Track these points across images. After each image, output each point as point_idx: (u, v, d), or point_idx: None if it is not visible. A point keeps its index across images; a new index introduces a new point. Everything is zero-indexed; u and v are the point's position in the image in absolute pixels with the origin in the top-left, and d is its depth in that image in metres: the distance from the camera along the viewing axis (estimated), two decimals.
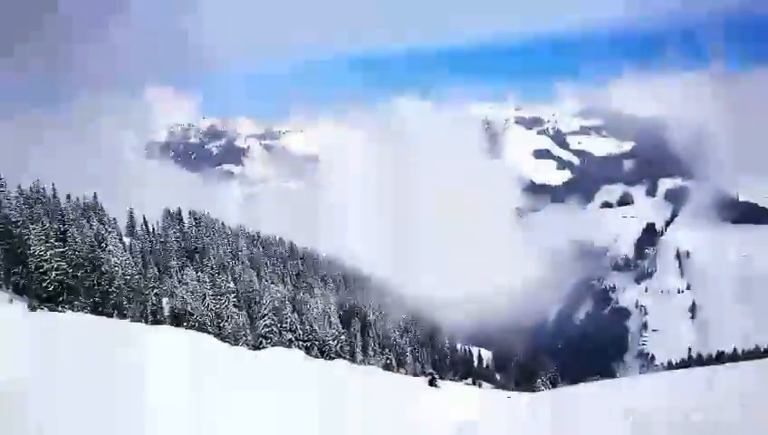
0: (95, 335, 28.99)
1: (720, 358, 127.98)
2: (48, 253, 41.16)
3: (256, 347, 50.00)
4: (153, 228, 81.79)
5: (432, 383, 46.13)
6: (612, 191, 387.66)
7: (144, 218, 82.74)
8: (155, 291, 54.91)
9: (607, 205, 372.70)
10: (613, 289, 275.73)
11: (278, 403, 20.11)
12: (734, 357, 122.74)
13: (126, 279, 51.32)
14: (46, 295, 40.88)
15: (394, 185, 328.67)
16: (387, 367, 62.29)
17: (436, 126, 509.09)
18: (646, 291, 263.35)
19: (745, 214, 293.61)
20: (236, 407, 18.61)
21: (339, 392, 25.01)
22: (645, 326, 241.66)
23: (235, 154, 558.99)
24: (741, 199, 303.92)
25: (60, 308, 39.89)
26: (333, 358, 53.57)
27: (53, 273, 40.94)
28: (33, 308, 36.13)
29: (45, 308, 38.39)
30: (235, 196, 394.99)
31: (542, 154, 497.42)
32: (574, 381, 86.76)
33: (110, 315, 44.04)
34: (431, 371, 54.03)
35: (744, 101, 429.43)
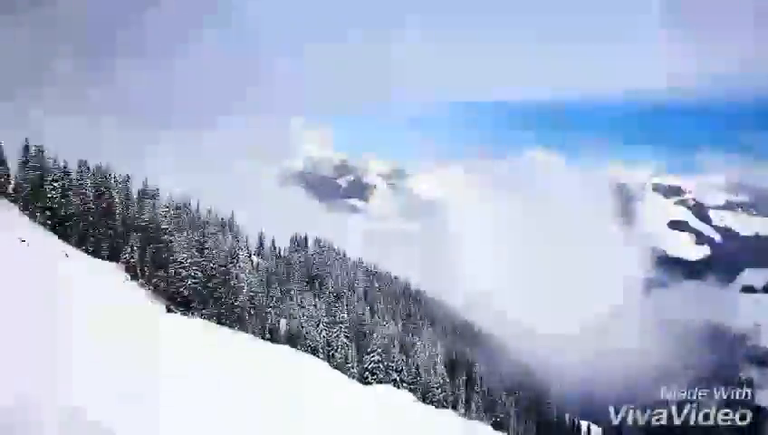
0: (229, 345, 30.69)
1: None
2: (188, 261, 44.54)
3: (362, 381, 50.40)
4: (280, 251, 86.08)
5: None
6: (758, 275, 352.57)
7: (273, 241, 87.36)
8: (275, 311, 57.43)
9: (749, 289, 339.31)
10: (749, 384, 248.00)
11: None
12: None
13: (250, 295, 54.17)
14: (180, 300, 44.11)
15: (517, 238, 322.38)
16: (496, 426, 60.14)
17: (567, 183, 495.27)
18: None
19: None
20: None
21: None
22: None
23: (361, 190, 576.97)
24: None
25: (191, 313, 42.87)
26: (437, 406, 52.64)
27: (190, 280, 44.16)
28: (169, 310, 39.12)
29: (178, 312, 41.51)
30: (357, 230, 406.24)
31: (679, 226, 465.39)
32: None
33: (231, 327, 46.62)
34: None
35: None
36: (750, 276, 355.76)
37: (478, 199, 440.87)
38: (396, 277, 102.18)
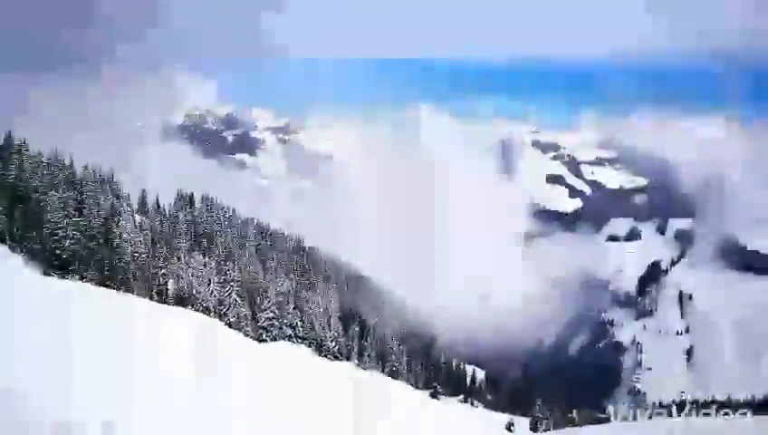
0: (109, 308, 29.18)
1: (712, 404, 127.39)
2: (64, 221, 41.56)
3: (257, 339, 50.16)
4: (165, 209, 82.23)
5: (434, 396, 46.41)
6: (621, 225, 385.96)
7: (157, 198, 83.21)
8: (162, 271, 55.24)
9: (614, 238, 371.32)
10: (611, 323, 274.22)
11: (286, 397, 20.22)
12: (727, 405, 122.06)
13: (134, 256, 51.72)
14: (58, 263, 41.23)
15: (405, 192, 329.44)
16: (392, 374, 62.36)
17: (454, 138, 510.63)
18: (644, 329, 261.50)
19: (752, 263, 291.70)
20: (243, 397, 18.79)
21: (349, 394, 25.11)
22: (639, 364, 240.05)
23: (249, 145, 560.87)
24: (749, 248, 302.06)
25: (70, 277, 40.25)
26: (332, 359, 53.64)
27: (67, 241, 41.34)
28: (46, 274, 36.49)
29: (56, 275, 38.81)
30: (246, 186, 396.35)
31: (555, 180, 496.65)
32: (565, 411, 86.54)
33: (116, 290, 44.36)
34: (435, 384, 54.31)
35: (761, 149, 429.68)
36: (615, 226, 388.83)
37: (367, 155, 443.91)
38: (288, 235, 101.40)
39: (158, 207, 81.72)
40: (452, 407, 42.29)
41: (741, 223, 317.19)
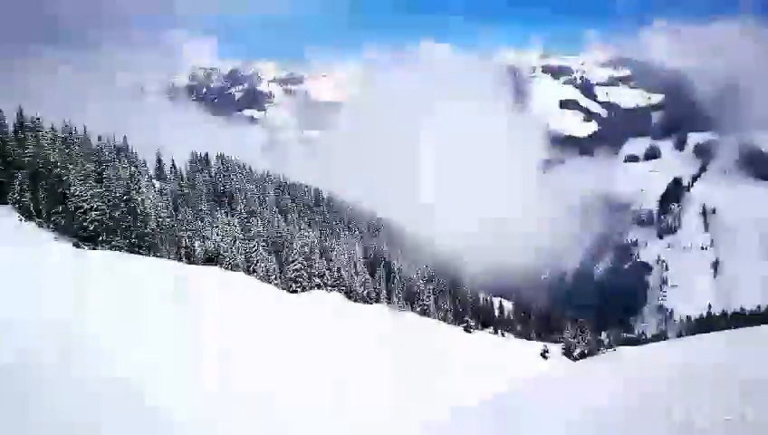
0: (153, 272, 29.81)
1: (741, 314, 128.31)
2: (88, 193, 42.07)
3: (288, 290, 51.16)
4: (181, 172, 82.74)
5: (467, 330, 47.36)
6: (639, 144, 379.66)
7: (173, 162, 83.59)
8: (188, 233, 56.11)
9: (633, 158, 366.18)
10: (635, 244, 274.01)
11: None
12: (757, 314, 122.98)
13: (158, 221, 52.42)
14: (86, 235, 41.98)
15: (416, 132, 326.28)
16: (423, 313, 63.56)
17: (462, 71, 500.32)
18: (668, 247, 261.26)
19: None
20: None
21: (389, 334, 25.78)
22: (665, 282, 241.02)
23: (257, 99, 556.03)
24: None
25: (100, 247, 41.07)
26: (364, 303, 54.62)
27: (93, 213, 41.92)
28: (76, 246, 37.26)
29: (86, 247, 39.59)
30: (258, 141, 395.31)
31: (568, 105, 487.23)
32: (594, 334, 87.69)
33: (145, 255, 45.22)
34: (467, 318, 55.32)
35: None
36: (632, 146, 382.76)
37: (376, 97, 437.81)
38: (306, 186, 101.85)
39: (175, 170, 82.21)
40: (485, 340, 43.23)
41: (760, 129, 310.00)
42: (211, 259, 51.06)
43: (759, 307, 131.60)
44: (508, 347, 43.63)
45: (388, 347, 22.84)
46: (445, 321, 65.42)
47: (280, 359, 17.97)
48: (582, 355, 46.84)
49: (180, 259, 49.92)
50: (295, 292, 48.67)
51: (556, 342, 60.57)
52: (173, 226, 55.10)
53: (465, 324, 49.31)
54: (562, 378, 20.90)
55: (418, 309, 66.92)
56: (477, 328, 69.30)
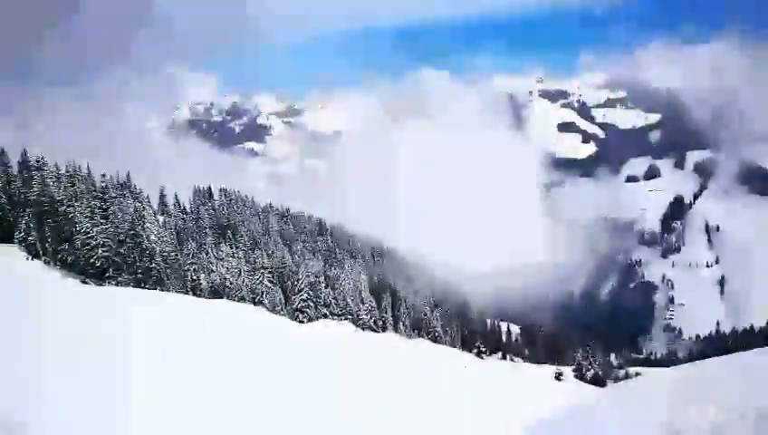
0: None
1: (750, 332, 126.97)
2: (94, 230, 42.27)
3: (295, 321, 50.97)
4: (185, 206, 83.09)
5: (479, 355, 47.19)
6: (639, 164, 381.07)
7: (176, 196, 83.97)
8: (193, 267, 56.12)
9: (633, 179, 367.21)
10: (639, 263, 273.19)
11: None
12: (765, 331, 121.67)
13: (164, 256, 52.53)
14: (93, 271, 42.09)
15: (418, 159, 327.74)
16: (434, 340, 63.28)
17: (460, 98, 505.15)
18: (673, 265, 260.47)
19: None
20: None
21: (406, 363, 25.62)
22: (671, 301, 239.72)
23: (257, 132, 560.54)
24: None
25: (106, 283, 41.11)
26: (374, 331, 54.34)
27: (100, 249, 42.11)
28: (84, 283, 37.31)
29: (93, 283, 39.66)
30: (259, 174, 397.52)
31: (567, 127, 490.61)
32: (604, 356, 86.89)
33: (152, 289, 45.25)
34: (478, 344, 55.06)
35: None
36: (632, 167, 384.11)
37: (375, 127, 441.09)
38: (309, 216, 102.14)
39: (178, 204, 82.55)
40: (498, 365, 43.03)
41: (758, 146, 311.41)
42: (217, 292, 51.05)
43: None
44: (522, 371, 43.25)
45: (410, 380, 22.65)
46: (453, 347, 64.99)
47: (305, 403, 17.67)
48: (596, 378, 46.47)
49: (186, 293, 49.93)
50: (302, 322, 48.48)
51: (566, 364, 60.06)
52: (178, 260, 55.19)
53: (477, 350, 49.05)
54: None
55: (429, 336, 66.54)
56: (487, 353, 68.77)
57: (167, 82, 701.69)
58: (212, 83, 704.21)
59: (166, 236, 58.47)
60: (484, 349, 59.63)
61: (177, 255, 56.50)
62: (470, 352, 50.44)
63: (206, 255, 63.75)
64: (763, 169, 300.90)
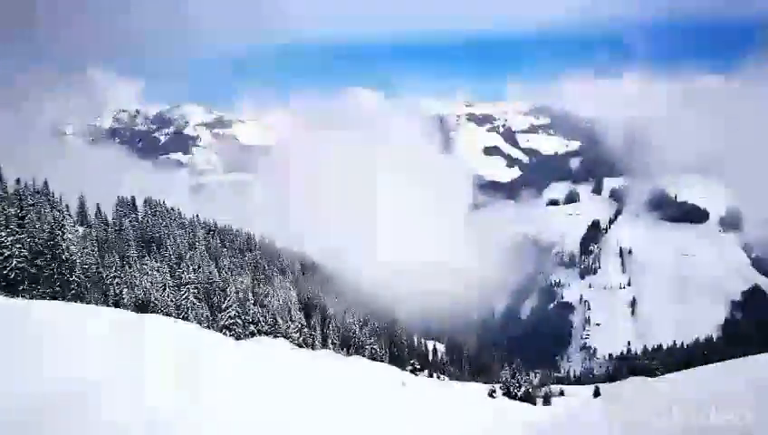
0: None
1: (659, 350, 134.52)
2: (9, 239, 39.86)
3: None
4: (107, 217, 79.60)
5: (414, 373, 47.64)
6: (559, 189, 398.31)
7: (98, 206, 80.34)
8: (115, 280, 53.79)
9: (554, 202, 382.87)
10: (559, 284, 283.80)
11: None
12: (672, 349, 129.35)
13: (84, 268, 50.15)
14: (6, 283, 39.62)
15: (347, 176, 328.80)
16: (372, 358, 63.24)
17: (391, 117, 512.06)
18: (590, 287, 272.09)
19: (683, 213, 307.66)
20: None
21: (347, 380, 25.53)
22: (588, 321, 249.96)
23: (184, 143, 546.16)
24: (679, 199, 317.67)
25: (21, 296, 38.73)
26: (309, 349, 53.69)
27: (14, 260, 39.70)
28: None
29: (4, 295, 37.25)
30: (186, 185, 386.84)
31: (492, 151, 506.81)
32: (525, 374, 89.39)
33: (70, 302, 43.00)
34: (413, 361, 55.59)
35: (681, 102, 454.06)
36: (553, 191, 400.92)
37: (305, 142, 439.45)
38: (237, 230, 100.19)
39: (100, 215, 78.98)
40: (432, 382, 43.53)
41: (668, 175, 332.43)
42: (141, 307, 49.13)
43: (675, 343, 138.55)
44: (457, 389, 44.04)
45: (353, 396, 22.64)
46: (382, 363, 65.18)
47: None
48: (527, 395, 48.12)
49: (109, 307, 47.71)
50: (239, 338, 47.33)
51: (491, 382, 61.50)
52: (100, 273, 52.82)
53: (412, 367, 49.57)
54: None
55: (360, 353, 66.48)
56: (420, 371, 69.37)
57: (89, 85, 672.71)
58: (138, 89, 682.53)
59: (87, 247, 55.82)
60: (418, 366, 60.29)
61: (98, 268, 54.04)
62: (404, 369, 50.67)
63: (130, 268, 61.28)
64: (670, 198, 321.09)
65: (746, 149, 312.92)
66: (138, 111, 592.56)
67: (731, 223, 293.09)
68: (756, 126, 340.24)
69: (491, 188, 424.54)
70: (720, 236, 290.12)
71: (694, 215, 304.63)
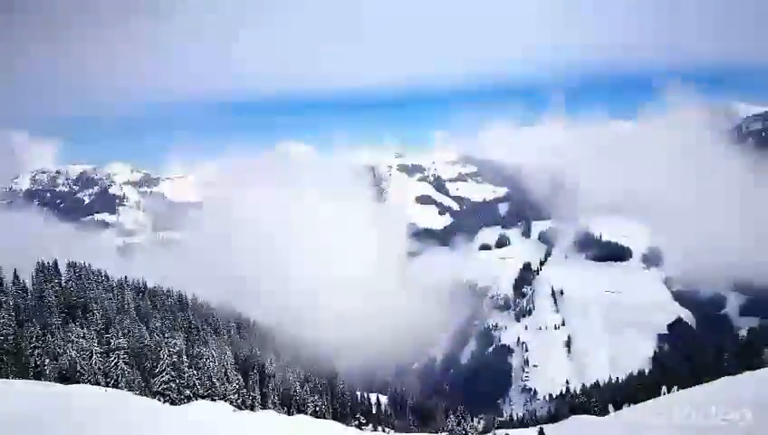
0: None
1: (596, 387, 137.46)
2: None
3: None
4: (25, 283, 75.17)
5: (359, 427, 46.75)
6: (490, 234, 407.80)
7: (15, 272, 75.82)
8: (36, 351, 50.52)
9: (486, 247, 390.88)
10: (496, 328, 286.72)
11: None
12: (608, 385, 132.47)
13: (1, 339, 47.05)
14: None
15: (281, 230, 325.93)
16: (315, 414, 61.34)
17: (322, 170, 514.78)
18: (526, 328, 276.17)
19: (608, 252, 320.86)
20: None
21: None
22: (527, 362, 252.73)
23: (109, 202, 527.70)
24: (603, 239, 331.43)
25: None
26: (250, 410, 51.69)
27: None
28: None
29: None
30: (112, 246, 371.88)
31: (424, 200, 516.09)
32: (469, 420, 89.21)
33: None
34: (358, 416, 54.47)
35: (596, 147, 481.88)
36: (484, 236, 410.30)
37: (236, 198, 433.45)
38: (168, 290, 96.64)
39: (18, 281, 74.48)
40: None
41: (592, 216, 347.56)
42: (66, 378, 46.24)
43: (611, 378, 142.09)
44: None
45: None
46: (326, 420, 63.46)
47: None
48: None
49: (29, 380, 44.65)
50: (174, 403, 45.07)
51: (437, 431, 60.97)
52: (18, 344, 49.52)
53: (357, 422, 48.60)
54: None
55: (301, 411, 64.60)
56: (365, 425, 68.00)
57: (3, 146, 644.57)
58: (55, 149, 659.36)
59: (3, 317, 52.35)
60: (363, 420, 59.14)
61: (16, 338, 50.67)
62: (349, 425, 49.55)
63: (52, 337, 57.80)
64: (595, 238, 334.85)
65: (660, 188, 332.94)
66: (58, 172, 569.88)
67: (652, 259, 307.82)
68: (665, 166, 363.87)
69: (425, 235, 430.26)
70: (643, 273, 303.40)
71: (618, 253, 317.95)
